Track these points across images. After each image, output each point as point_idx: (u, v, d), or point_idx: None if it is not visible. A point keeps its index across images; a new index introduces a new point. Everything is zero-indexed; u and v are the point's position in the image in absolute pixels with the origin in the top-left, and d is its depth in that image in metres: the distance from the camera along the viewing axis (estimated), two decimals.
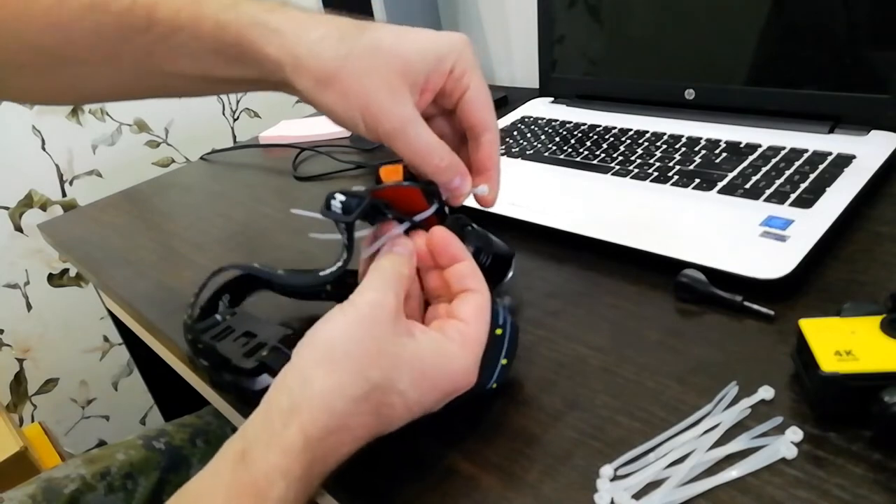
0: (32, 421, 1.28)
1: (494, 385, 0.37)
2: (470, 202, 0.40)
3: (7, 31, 0.38)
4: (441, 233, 0.37)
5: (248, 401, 0.40)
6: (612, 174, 0.59)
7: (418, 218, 0.37)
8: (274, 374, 0.38)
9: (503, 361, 0.37)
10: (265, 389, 0.37)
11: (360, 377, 0.30)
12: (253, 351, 0.41)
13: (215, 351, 0.42)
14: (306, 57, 0.35)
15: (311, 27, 0.36)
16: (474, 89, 0.38)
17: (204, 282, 0.46)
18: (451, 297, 0.37)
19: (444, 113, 0.41)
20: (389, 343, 0.31)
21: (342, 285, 0.48)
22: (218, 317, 0.45)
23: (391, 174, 0.37)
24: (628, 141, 0.65)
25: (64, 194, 1.23)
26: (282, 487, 0.28)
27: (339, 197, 0.36)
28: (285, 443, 0.29)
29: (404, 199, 0.37)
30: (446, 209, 0.39)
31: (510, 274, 0.46)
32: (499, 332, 0.37)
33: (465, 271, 0.36)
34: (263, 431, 0.30)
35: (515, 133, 0.74)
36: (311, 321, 0.45)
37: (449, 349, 0.33)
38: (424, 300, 0.39)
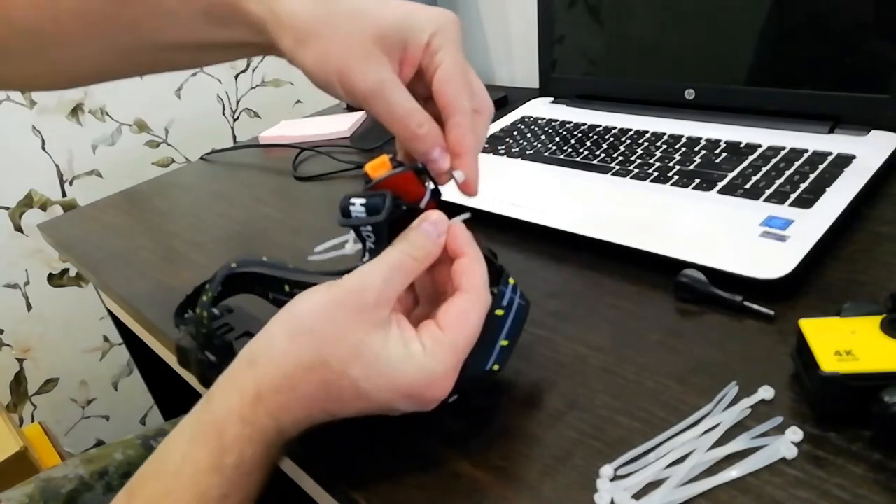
0: (32, 421, 1.29)
1: (496, 367, 0.36)
2: (465, 200, 0.39)
3: None
4: (453, 223, 0.36)
5: None
6: (612, 174, 0.59)
7: (423, 203, 0.36)
8: None
9: (503, 342, 0.36)
10: None
11: (313, 352, 0.32)
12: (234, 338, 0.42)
13: (231, 348, 0.41)
14: (287, 15, 0.35)
15: None
16: (447, 66, 0.37)
17: (213, 276, 0.45)
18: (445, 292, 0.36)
19: (427, 100, 0.38)
20: (351, 332, 0.32)
21: None
22: (216, 311, 0.44)
23: (378, 168, 0.36)
24: (628, 141, 0.65)
25: (64, 194, 1.23)
26: (238, 428, 0.32)
27: (358, 200, 0.35)
28: (241, 389, 0.32)
29: (401, 189, 0.36)
30: (440, 189, 0.38)
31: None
32: (499, 313, 0.36)
33: (461, 268, 0.35)
34: (226, 379, 0.33)
35: (515, 133, 0.74)
36: None
37: (414, 353, 0.32)
38: (432, 295, 0.38)
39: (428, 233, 0.35)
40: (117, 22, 0.38)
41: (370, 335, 0.32)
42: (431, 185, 0.37)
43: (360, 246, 0.37)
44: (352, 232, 0.37)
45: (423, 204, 0.37)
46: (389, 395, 0.32)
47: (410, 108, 0.36)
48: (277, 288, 0.49)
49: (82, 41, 0.40)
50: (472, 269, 0.35)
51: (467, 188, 0.38)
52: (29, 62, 0.41)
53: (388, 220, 0.35)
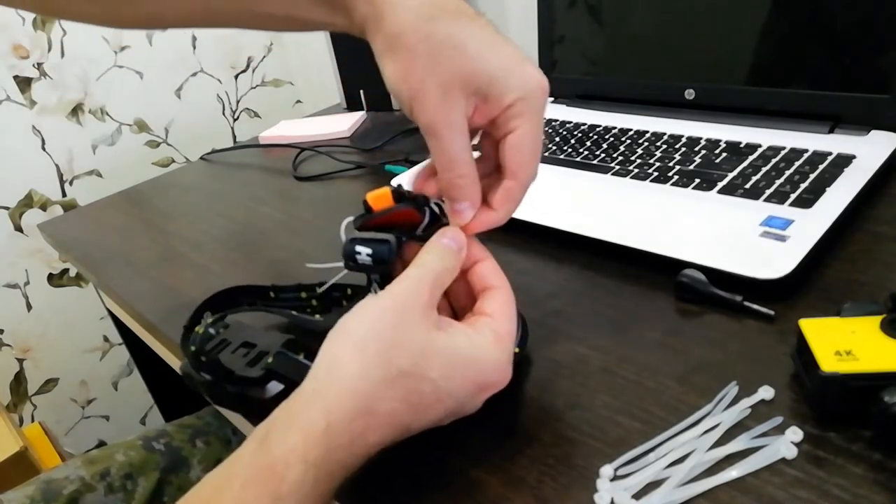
0: (32, 421, 1.29)
1: (517, 350, 0.38)
2: None
3: None
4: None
5: (255, 412, 0.39)
6: (612, 174, 0.59)
7: (420, 231, 0.37)
8: (282, 379, 0.38)
9: (515, 350, 0.37)
10: (276, 396, 0.37)
11: (388, 363, 0.30)
12: (256, 360, 0.40)
13: (218, 363, 0.40)
14: (391, 20, 0.34)
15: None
16: (523, 134, 0.36)
17: (206, 299, 0.47)
18: (474, 299, 0.37)
19: (492, 140, 0.38)
20: (420, 332, 0.31)
21: (328, 299, 0.49)
22: (211, 330, 0.43)
23: (381, 201, 0.37)
24: (628, 141, 0.65)
25: (64, 194, 1.23)
26: (299, 471, 0.28)
27: (364, 249, 0.36)
28: (305, 425, 0.29)
29: (401, 219, 0.37)
30: (441, 217, 0.38)
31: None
32: None
33: (487, 270, 0.37)
34: (285, 414, 0.30)
35: None
36: (304, 330, 0.45)
37: (481, 343, 0.33)
38: (450, 308, 0.39)
39: (450, 246, 0.35)
40: None
41: (437, 334, 0.32)
42: (427, 214, 0.38)
43: (326, 265, 0.40)
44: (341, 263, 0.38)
45: (420, 230, 0.37)
46: (468, 389, 0.32)
47: (462, 157, 0.35)
48: (263, 294, 0.50)
49: None
50: (496, 268, 0.37)
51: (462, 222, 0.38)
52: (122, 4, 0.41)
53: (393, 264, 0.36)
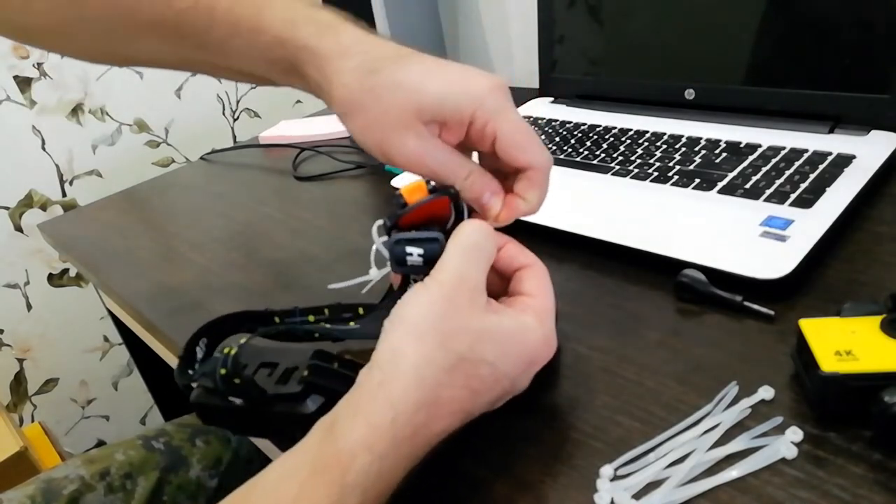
0: (32, 421, 1.29)
1: None
2: None
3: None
4: None
5: (296, 430, 0.36)
6: (612, 174, 0.59)
7: (449, 225, 0.38)
8: (322, 391, 0.36)
9: None
10: (319, 410, 0.35)
11: (448, 350, 0.31)
12: (285, 377, 0.38)
13: (253, 383, 0.36)
14: (337, 86, 0.37)
15: (351, 54, 0.37)
16: (503, 134, 0.37)
17: (201, 327, 0.43)
18: (506, 284, 0.38)
19: (490, 154, 0.39)
20: (473, 317, 0.32)
21: (338, 321, 0.46)
22: (218, 355, 0.38)
23: (414, 192, 0.37)
24: (628, 141, 0.65)
25: (64, 194, 1.23)
26: (365, 462, 0.28)
27: (416, 250, 0.35)
28: (372, 416, 0.29)
29: (436, 213, 0.38)
30: (466, 213, 0.39)
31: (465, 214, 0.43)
32: None
33: (514, 251, 0.38)
34: (351, 406, 0.30)
35: None
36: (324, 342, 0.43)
37: (526, 321, 0.34)
38: None
39: (481, 234, 0.36)
40: (188, 43, 0.41)
41: (489, 318, 0.33)
42: (454, 211, 0.38)
43: (381, 271, 0.39)
44: (373, 269, 0.38)
45: (449, 225, 0.38)
46: (521, 367, 0.34)
47: (450, 164, 0.38)
48: (266, 321, 0.46)
49: (154, 43, 0.42)
50: (522, 248, 0.38)
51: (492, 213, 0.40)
52: (100, 43, 0.44)
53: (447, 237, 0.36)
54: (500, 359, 0.32)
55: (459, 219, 0.38)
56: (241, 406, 0.37)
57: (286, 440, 0.38)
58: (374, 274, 0.40)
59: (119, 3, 0.40)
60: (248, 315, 0.46)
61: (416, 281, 0.37)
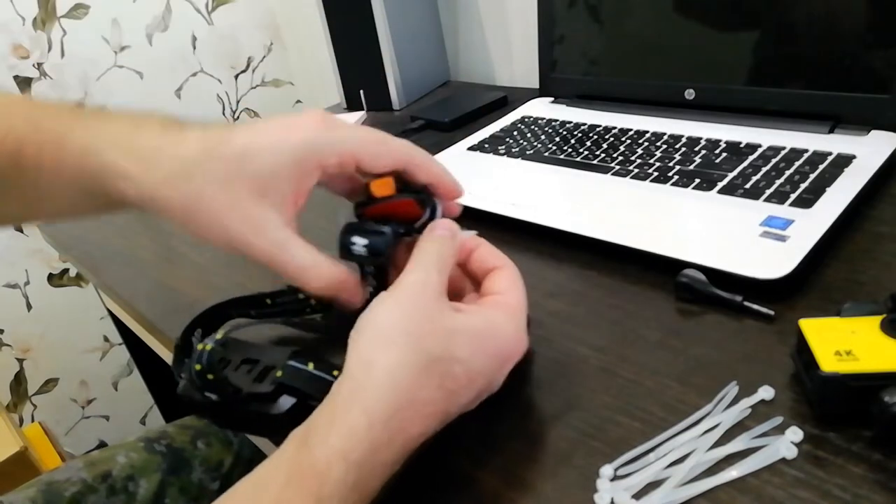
0: (32, 421, 1.29)
1: None
2: (465, 200, 0.40)
3: None
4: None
5: (267, 429, 0.38)
6: (612, 174, 0.59)
7: (418, 224, 0.38)
8: (294, 392, 0.36)
9: None
10: (290, 411, 0.35)
11: (419, 350, 0.30)
12: (262, 375, 0.38)
13: (227, 380, 0.37)
14: (161, 200, 0.35)
15: (157, 163, 0.35)
16: (364, 157, 0.36)
17: (195, 317, 0.45)
18: (479, 287, 0.38)
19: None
20: (441, 317, 0.32)
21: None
22: (216, 349, 0.39)
23: (383, 188, 0.37)
24: (628, 141, 0.65)
25: None
26: (341, 470, 0.28)
27: (360, 240, 0.36)
28: (347, 425, 0.28)
29: (401, 211, 0.38)
30: (439, 212, 0.39)
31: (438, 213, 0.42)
32: None
33: (485, 254, 0.38)
34: (325, 416, 0.30)
35: (515, 133, 0.74)
36: (306, 341, 0.43)
37: (495, 317, 0.34)
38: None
39: (443, 234, 0.36)
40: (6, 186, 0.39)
41: (457, 316, 0.33)
42: (428, 211, 0.38)
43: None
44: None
45: (418, 224, 0.38)
46: (493, 364, 0.33)
47: (306, 264, 0.36)
48: (258, 303, 0.47)
49: None
50: (494, 250, 0.38)
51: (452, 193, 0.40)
52: None
53: (390, 256, 0.36)
54: (472, 356, 0.32)
55: (432, 217, 0.38)
56: (217, 402, 0.37)
57: (267, 436, 0.39)
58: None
59: None
60: (241, 301, 0.47)
61: (370, 274, 0.38)
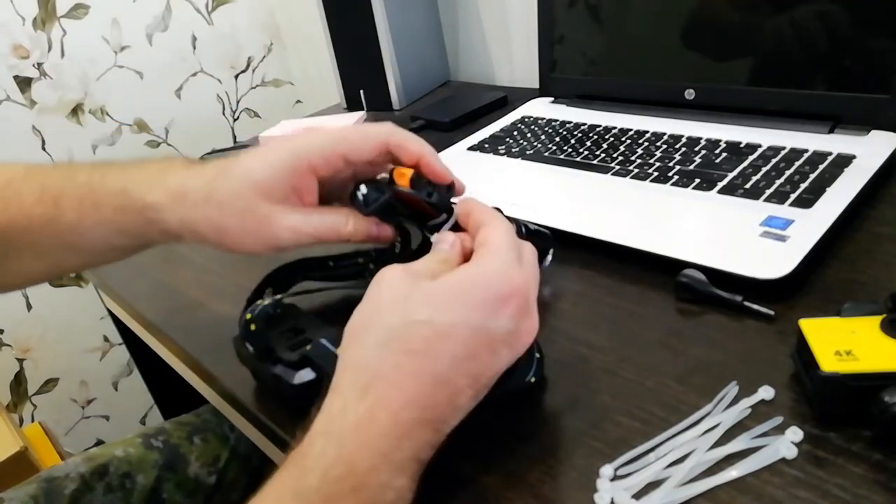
0: (32, 421, 1.29)
1: (533, 379, 0.38)
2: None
3: None
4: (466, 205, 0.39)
5: (284, 394, 0.40)
6: (613, 174, 0.59)
7: (430, 223, 0.40)
8: (316, 368, 0.38)
9: (537, 355, 0.38)
10: (305, 385, 0.38)
11: (377, 325, 0.31)
12: (298, 345, 0.41)
13: (265, 337, 0.41)
14: (191, 223, 0.41)
15: (184, 194, 0.41)
16: (344, 149, 0.41)
17: (267, 275, 0.50)
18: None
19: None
20: (398, 290, 0.32)
21: (387, 260, 0.47)
22: (270, 308, 0.43)
23: (400, 178, 0.40)
24: (628, 141, 0.65)
25: None
26: (321, 443, 0.30)
27: (362, 189, 0.41)
28: (326, 407, 0.31)
29: (418, 204, 0.40)
30: (451, 220, 0.40)
31: (548, 260, 0.49)
32: None
33: (477, 217, 0.37)
34: (322, 430, 0.31)
35: (515, 133, 0.74)
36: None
37: (472, 266, 0.33)
38: None
39: (444, 248, 0.37)
40: (41, 236, 0.44)
41: (421, 283, 0.32)
42: (445, 216, 0.40)
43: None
44: None
45: (430, 224, 0.40)
46: (479, 312, 0.31)
47: (324, 224, 0.41)
48: (322, 266, 0.52)
49: (18, 252, 0.45)
50: (486, 210, 0.37)
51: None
52: None
53: (389, 201, 0.41)
54: (435, 314, 0.31)
55: (446, 221, 0.39)
56: (251, 354, 0.41)
57: (283, 401, 0.43)
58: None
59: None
60: (307, 262, 0.52)
61: (400, 248, 0.44)
